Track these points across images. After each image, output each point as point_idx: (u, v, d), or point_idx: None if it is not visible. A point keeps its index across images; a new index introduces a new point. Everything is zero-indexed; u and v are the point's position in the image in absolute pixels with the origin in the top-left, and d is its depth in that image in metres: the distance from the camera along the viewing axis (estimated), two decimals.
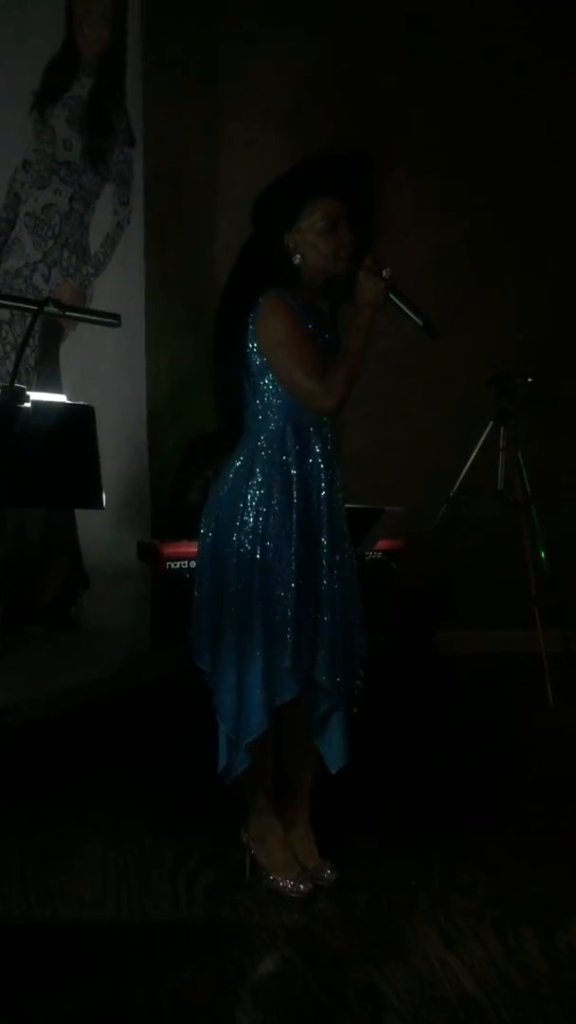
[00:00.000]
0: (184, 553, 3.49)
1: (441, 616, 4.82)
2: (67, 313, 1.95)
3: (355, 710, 2.79)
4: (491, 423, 4.52)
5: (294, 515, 2.45)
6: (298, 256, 2.49)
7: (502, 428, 4.50)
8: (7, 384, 1.78)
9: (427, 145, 5.04)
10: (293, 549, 2.44)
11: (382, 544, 3.74)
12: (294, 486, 2.46)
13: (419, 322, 2.46)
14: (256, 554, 2.44)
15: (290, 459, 2.47)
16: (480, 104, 5.01)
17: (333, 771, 2.55)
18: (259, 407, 2.51)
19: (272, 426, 2.49)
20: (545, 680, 4.29)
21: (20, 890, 2.57)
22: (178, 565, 3.51)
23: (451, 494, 4.58)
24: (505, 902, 2.56)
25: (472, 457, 4.55)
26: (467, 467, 4.56)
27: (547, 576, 4.52)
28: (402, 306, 2.45)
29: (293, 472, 2.47)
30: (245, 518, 2.46)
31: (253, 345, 2.47)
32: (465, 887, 2.63)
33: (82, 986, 2.18)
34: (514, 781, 3.47)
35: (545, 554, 4.62)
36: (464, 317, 5.04)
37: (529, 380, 4.53)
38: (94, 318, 2.10)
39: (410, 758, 3.63)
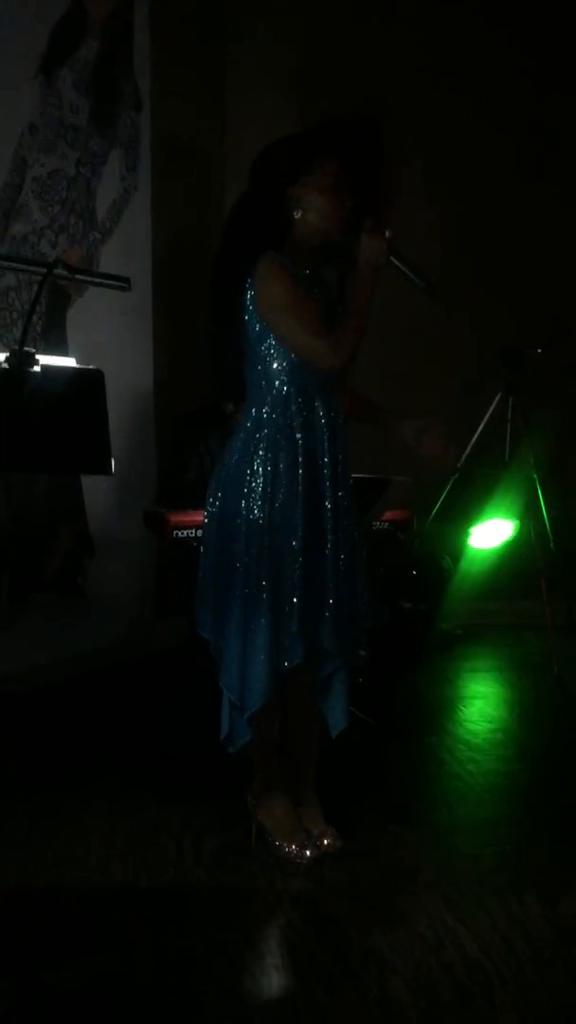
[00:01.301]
0: (190, 522, 3.48)
1: (446, 587, 4.82)
2: (77, 276, 1.93)
3: (359, 680, 2.79)
4: (499, 395, 4.50)
5: (300, 479, 2.44)
6: (299, 211, 2.46)
7: (510, 400, 4.48)
8: (16, 348, 1.77)
9: (436, 113, 4.98)
10: (300, 512, 2.43)
11: (389, 515, 3.74)
12: (299, 450, 2.46)
13: (420, 284, 2.43)
14: (265, 518, 2.44)
15: (295, 424, 2.47)
16: (491, 73, 4.95)
17: (334, 735, 2.56)
18: (261, 373, 2.50)
19: (275, 392, 2.48)
20: (550, 650, 4.29)
21: (27, 856, 2.58)
22: (184, 534, 3.50)
23: (459, 465, 4.57)
24: (509, 869, 2.57)
25: (480, 429, 4.53)
26: (475, 438, 4.54)
27: (553, 548, 4.51)
28: (403, 268, 2.43)
29: (298, 436, 2.46)
30: (253, 484, 2.46)
31: (252, 310, 2.46)
32: (469, 854, 2.65)
33: (87, 951, 2.20)
34: (518, 749, 3.48)
35: (551, 526, 4.61)
36: (473, 288, 5.00)
37: (539, 351, 4.51)
38: (104, 281, 2.08)
39: (415, 727, 3.64)
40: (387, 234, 2.41)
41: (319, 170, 2.45)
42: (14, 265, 2.28)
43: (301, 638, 2.44)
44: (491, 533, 4.62)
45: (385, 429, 2.75)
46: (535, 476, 4.48)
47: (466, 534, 4.66)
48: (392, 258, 2.42)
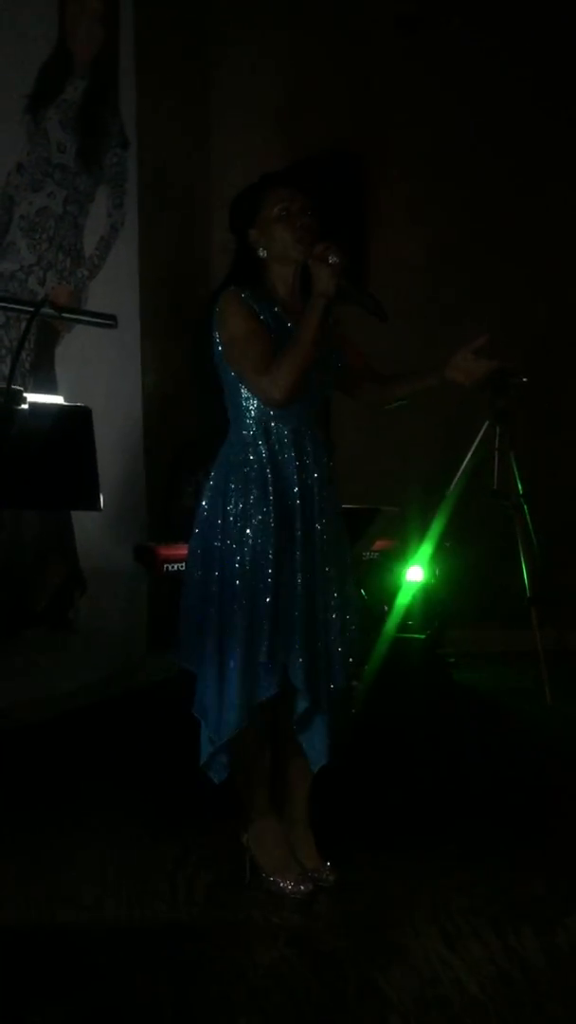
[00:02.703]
0: (181, 555, 3.48)
1: (438, 616, 4.82)
2: (63, 314, 1.95)
3: (353, 711, 2.79)
4: (487, 423, 4.52)
5: (272, 510, 2.46)
6: (262, 250, 2.50)
7: (497, 428, 4.51)
8: (3, 386, 1.78)
9: (419, 144, 5.06)
10: (271, 545, 2.45)
11: (379, 544, 3.75)
12: (269, 482, 2.47)
13: (369, 306, 2.41)
14: (239, 549, 2.46)
15: (264, 458, 2.48)
16: (472, 103, 5.03)
17: (314, 770, 2.55)
18: (233, 408, 2.54)
19: (246, 427, 2.51)
20: (542, 677, 4.29)
21: (18, 894, 2.56)
22: (175, 567, 3.51)
23: (447, 494, 4.58)
24: (505, 901, 2.55)
25: (468, 457, 4.55)
26: (463, 467, 4.56)
27: (541, 575, 4.52)
28: (350, 290, 2.39)
29: (267, 470, 2.48)
30: (228, 517, 2.49)
31: (218, 347, 2.49)
32: (464, 886, 2.63)
33: (81, 990, 2.17)
34: (512, 779, 3.47)
35: (539, 553, 4.62)
36: (458, 317, 5.05)
37: (524, 380, 4.54)
38: (90, 319, 2.10)
39: (408, 757, 3.63)
40: (331, 260, 2.36)
41: (268, 203, 2.48)
42: (1, 304, 2.30)
43: (274, 670, 2.44)
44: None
45: (433, 388, 2.67)
46: (523, 503, 4.50)
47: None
48: (341, 282, 2.37)
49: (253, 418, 2.50)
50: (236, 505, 2.48)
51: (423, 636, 4.70)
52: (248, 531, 2.46)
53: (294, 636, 2.46)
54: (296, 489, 2.49)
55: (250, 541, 2.46)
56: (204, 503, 2.56)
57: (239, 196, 2.58)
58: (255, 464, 2.48)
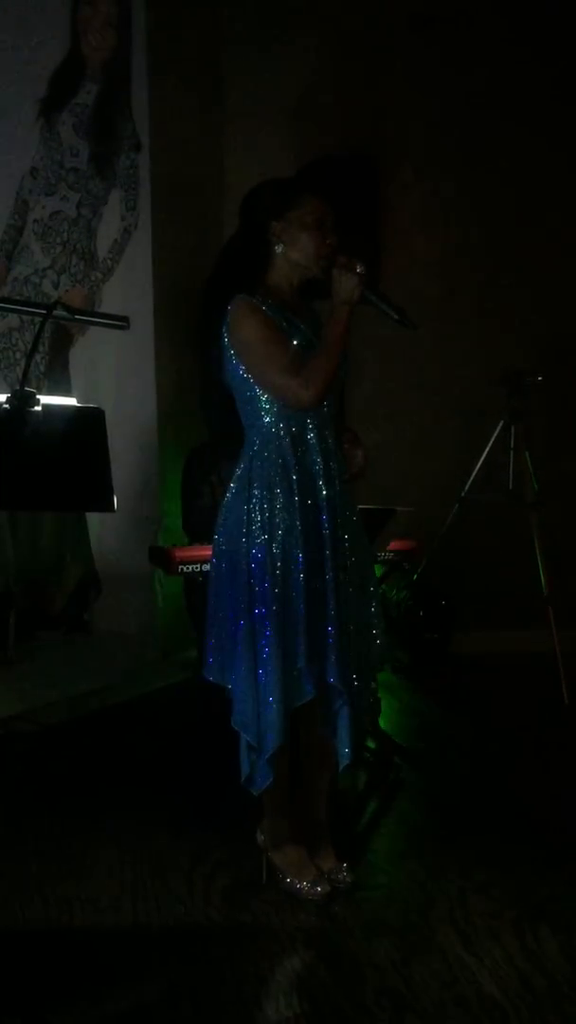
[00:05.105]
0: (196, 557, 3.49)
1: (454, 616, 4.81)
2: (76, 317, 1.96)
3: (374, 711, 2.77)
4: (502, 422, 4.51)
5: (298, 513, 2.45)
6: (280, 246, 2.49)
7: (512, 427, 4.49)
8: (17, 388, 1.79)
9: (433, 145, 5.04)
10: (301, 546, 2.44)
11: (394, 544, 3.74)
12: (295, 485, 2.46)
13: (394, 316, 2.43)
14: (267, 556, 2.43)
15: (289, 459, 2.47)
16: (488, 102, 5.01)
17: (340, 769, 2.54)
18: (251, 413, 2.52)
19: (266, 430, 2.49)
20: (560, 678, 4.27)
21: (37, 894, 2.57)
22: (190, 569, 3.51)
23: (463, 494, 4.58)
24: (522, 902, 2.54)
25: (483, 457, 4.54)
26: (478, 467, 4.55)
27: (557, 574, 4.50)
28: (377, 302, 2.43)
29: (293, 473, 2.47)
30: (252, 523, 2.46)
31: (231, 355, 2.48)
32: (482, 887, 2.62)
33: (99, 990, 2.18)
34: (529, 780, 3.45)
35: (555, 552, 4.60)
36: (473, 317, 5.04)
37: (539, 379, 4.52)
38: (103, 321, 2.11)
39: (425, 758, 3.62)
40: (358, 269, 2.40)
41: (303, 205, 2.48)
42: (14, 307, 2.32)
43: (310, 674, 2.43)
44: None
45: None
46: (539, 502, 4.48)
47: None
48: (366, 292, 2.41)
49: (274, 421, 2.48)
50: (261, 510, 2.45)
51: (435, 636, 4.70)
52: (276, 536, 2.44)
53: (328, 638, 2.45)
54: (323, 491, 2.48)
55: (278, 547, 2.43)
56: (225, 509, 2.52)
57: (271, 185, 2.54)
58: (280, 467, 2.47)
